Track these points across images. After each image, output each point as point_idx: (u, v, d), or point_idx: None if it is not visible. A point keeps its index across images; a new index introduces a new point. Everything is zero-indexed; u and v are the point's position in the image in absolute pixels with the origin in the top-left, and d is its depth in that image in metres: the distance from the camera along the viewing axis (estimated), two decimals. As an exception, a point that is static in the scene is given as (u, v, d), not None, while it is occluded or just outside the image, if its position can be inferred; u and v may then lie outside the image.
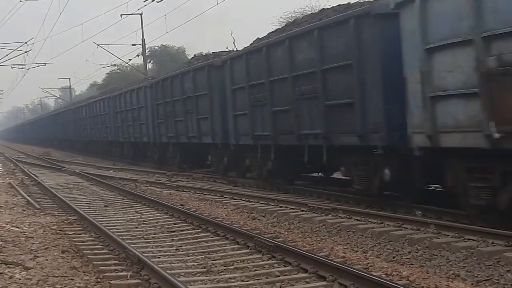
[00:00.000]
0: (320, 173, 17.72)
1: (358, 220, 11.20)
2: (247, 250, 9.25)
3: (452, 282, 7.19)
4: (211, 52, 24.14)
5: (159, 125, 26.38)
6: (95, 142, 41.90)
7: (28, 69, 54.68)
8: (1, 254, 9.23)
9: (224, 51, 23.26)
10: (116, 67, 60.46)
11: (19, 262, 8.69)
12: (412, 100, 10.69)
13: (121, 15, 41.36)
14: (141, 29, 44.29)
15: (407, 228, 10.11)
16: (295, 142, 15.08)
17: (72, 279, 7.84)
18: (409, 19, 10.54)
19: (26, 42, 44.20)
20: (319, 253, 8.75)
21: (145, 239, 10.66)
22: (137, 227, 11.94)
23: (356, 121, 12.50)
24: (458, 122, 9.55)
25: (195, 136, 22.20)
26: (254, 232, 10.33)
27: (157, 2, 31.76)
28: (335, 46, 13.18)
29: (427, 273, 7.63)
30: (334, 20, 13.34)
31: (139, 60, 49.42)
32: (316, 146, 14.30)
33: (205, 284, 7.56)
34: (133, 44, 45.65)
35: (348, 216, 11.56)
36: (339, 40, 13.03)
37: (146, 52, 47.60)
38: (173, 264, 8.58)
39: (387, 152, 12.02)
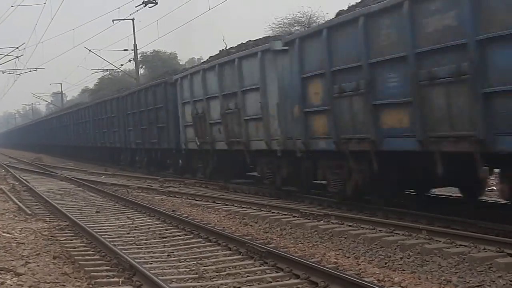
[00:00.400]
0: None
1: (350, 226, 11.21)
2: (239, 256, 9.24)
3: (444, 288, 7.21)
4: (209, 57, 24.03)
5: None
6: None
7: (19, 74, 54.86)
8: (-8, 260, 9.20)
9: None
10: (108, 72, 60.56)
11: (10, 268, 8.66)
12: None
13: (113, 20, 41.29)
14: (133, 35, 44.31)
15: (399, 234, 10.13)
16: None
17: (64, 285, 7.83)
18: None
19: (17, 47, 44.25)
20: (311, 259, 8.76)
21: (137, 245, 10.64)
22: (129, 233, 11.91)
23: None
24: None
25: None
26: (246, 238, 10.34)
27: (149, 7, 31.80)
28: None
29: (419, 279, 7.65)
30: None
31: (131, 66, 49.50)
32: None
33: (197, 290, 7.55)
34: (125, 50, 45.69)
35: (340, 222, 11.57)
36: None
37: (138, 57, 47.62)
38: (165, 270, 8.56)
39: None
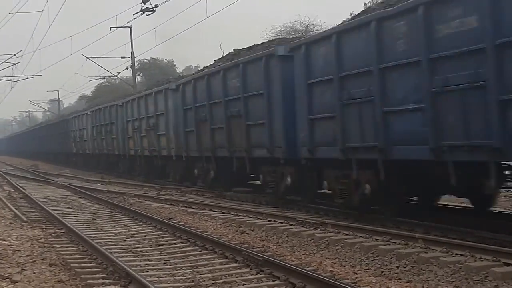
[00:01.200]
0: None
1: (346, 234, 11.21)
2: (236, 264, 9.24)
3: (440, 297, 7.21)
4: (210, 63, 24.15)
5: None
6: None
7: (16, 81, 54.65)
8: (-12, 267, 9.18)
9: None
10: (105, 80, 60.54)
11: (6, 275, 8.64)
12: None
13: (110, 28, 41.31)
14: (130, 42, 44.34)
15: (395, 242, 10.13)
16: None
17: (60, 293, 7.81)
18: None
19: (15, 54, 44.16)
20: (308, 267, 8.75)
21: (133, 253, 10.63)
22: (125, 241, 11.89)
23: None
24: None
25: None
26: (242, 246, 10.33)
27: (147, 15, 31.82)
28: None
29: (415, 288, 7.65)
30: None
31: (128, 73, 49.53)
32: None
33: (193, 298, 7.54)
34: (122, 57, 45.69)
35: (336, 231, 11.57)
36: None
37: (135, 65, 47.61)
38: (161, 278, 8.55)
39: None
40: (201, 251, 10.49)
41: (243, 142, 17.11)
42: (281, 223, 12.99)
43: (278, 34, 41.98)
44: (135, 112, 27.84)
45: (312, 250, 10.39)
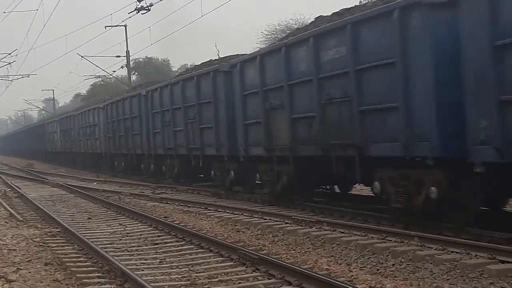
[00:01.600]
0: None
1: (342, 232, 11.21)
2: (231, 263, 9.24)
3: (435, 294, 7.22)
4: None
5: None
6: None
7: (11, 80, 54.67)
8: (-17, 266, 9.16)
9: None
10: (100, 78, 60.42)
11: (2, 274, 8.63)
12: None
13: (105, 26, 41.27)
14: (125, 41, 44.29)
15: (390, 240, 10.14)
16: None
17: (55, 292, 7.80)
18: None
19: (9, 53, 44.24)
20: (303, 265, 8.76)
21: (129, 252, 10.62)
22: (120, 240, 11.89)
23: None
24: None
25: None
26: (238, 244, 10.33)
27: (142, 14, 31.76)
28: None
29: (411, 286, 7.66)
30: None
31: (124, 72, 49.48)
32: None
33: (189, 296, 7.54)
34: (117, 56, 45.65)
35: (332, 229, 11.58)
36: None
37: (131, 64, 47.56)
38: (157, 277, 8.55)
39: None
40: (196, 249, 10.49)
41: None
42: (277, 221, 12.99)
43: (274, 32, 41.96)
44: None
45: (307, 248, 10.40)
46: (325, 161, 13.18)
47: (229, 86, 17.60)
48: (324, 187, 16.66)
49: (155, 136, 24.38)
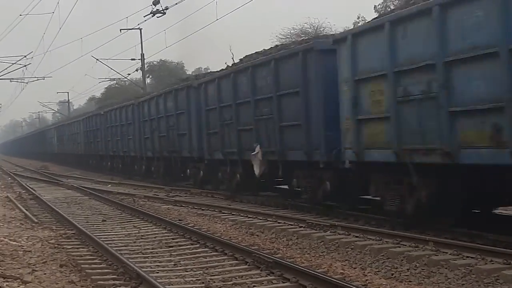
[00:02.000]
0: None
1: (356, 236, 11.19)
2: (246, 266, 9.24)
3: (451, 299, 7.19)
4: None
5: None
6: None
7: (27, 82, 54.78)
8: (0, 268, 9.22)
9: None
10: (115, 81, 60.55)
11: (17, 276, 8.68)
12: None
13: (120, 30, 41.37)
14: (140, 44, 44.43)
15: (405, 245, 10.11)
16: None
17: (70, 294, 7.83)
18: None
19: (25, 56, 44.26)
20: (318, 269, 8.75)
21: (143, 254, 10.65)
22: (135, 242, 11.92)
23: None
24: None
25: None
26: (252, 248, 10.33)
27: (157, 17, 31.88)
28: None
29: (426, 291, 7.63)
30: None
31: (138, 75, 49.53)
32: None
33: (203, 299, 7.55)
34: (132, 59, 45.77)
35: (346, 233, 11.55)
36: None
37: (145, 67, 47.68)
38: (171, 280, 8.57)
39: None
40: (211, 252, 10.51)
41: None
42: (291, 225, 12.98)
43: (288, 36, 41.94)
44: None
45: (322, 252, 10.39)
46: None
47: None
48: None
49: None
